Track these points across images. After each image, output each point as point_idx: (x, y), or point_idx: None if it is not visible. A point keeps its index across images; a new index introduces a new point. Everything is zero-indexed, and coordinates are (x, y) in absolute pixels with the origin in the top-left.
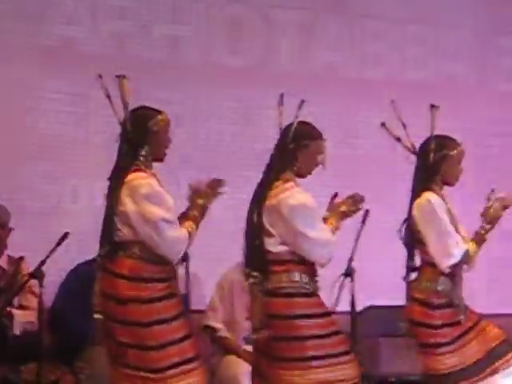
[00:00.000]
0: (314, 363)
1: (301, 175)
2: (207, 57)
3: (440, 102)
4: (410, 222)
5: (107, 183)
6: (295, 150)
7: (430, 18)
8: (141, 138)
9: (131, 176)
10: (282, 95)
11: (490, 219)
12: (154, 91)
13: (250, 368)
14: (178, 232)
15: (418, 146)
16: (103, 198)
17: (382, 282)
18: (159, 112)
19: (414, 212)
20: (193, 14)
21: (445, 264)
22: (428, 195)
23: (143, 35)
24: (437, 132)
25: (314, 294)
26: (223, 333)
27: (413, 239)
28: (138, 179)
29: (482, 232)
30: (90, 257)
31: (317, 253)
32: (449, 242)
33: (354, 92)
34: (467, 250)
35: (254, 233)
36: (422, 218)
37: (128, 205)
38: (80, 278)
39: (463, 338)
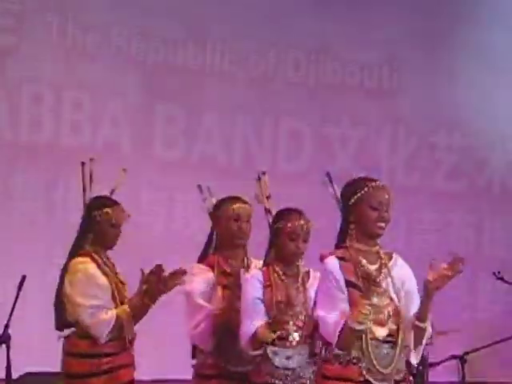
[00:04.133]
0: None
1: None
2: None
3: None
4: None
5: None
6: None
7: (89, 84)
8: (87, 225)
9: (74, 260)
10: None
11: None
12: None
13: None
14: (103, 316)
15: None
16: None
17: (39, 348)
18: (112, 204)
19: None
20: None
21: None
22: None
23: None
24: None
25: None
26: None
27: None
28: (77, 264)
29: None
30: None
31: None
32: None
33: None
34: None
35: None
36: None
37: (67, 287)
38: None
39: None
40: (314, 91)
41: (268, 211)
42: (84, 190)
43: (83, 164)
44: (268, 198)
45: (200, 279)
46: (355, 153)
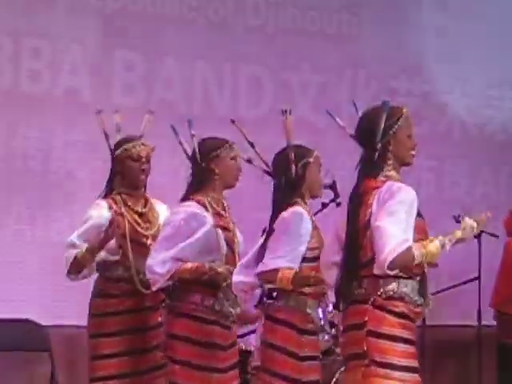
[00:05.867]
0: None
1: None
2: None
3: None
4: None
5: None
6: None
7: (48, 32)
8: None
9: None
10: None
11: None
12: None
13: None
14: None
15: None
16: None
17: None
18: (131, 140)
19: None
20: None
21: None
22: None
23: None
24: None
25: None
26: None
27: None
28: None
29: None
30: None
31: None
32: None
33: None
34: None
35: None
36: None
37: None
38: None
39: None
40: (273, 37)
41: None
42: (106, 136)
43: (99, 112)
44: (252, 145)
45: None
46: (315, 98)
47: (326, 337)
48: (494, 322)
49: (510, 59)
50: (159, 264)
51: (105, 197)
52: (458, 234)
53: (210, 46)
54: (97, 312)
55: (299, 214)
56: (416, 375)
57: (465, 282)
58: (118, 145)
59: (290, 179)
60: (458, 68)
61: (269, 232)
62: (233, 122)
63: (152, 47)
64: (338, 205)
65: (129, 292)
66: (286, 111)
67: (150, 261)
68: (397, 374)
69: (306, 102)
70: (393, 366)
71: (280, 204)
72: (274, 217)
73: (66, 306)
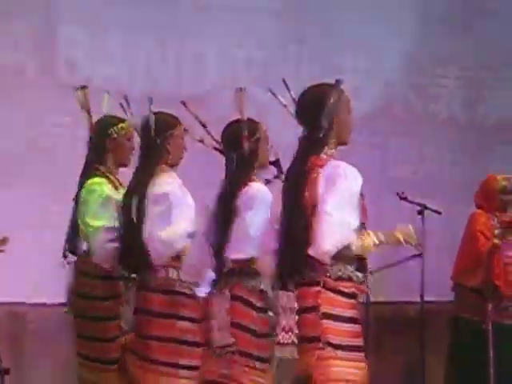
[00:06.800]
0: None
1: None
2: None
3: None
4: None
5: None
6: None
7: None
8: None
9: (91, 180)
10: None
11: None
12: None
13: None
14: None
15: None
16: None
17: None
18: (123, 120)
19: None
20: None
21: None
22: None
23: None
24: None
25: None
26: None
27: None
28: (94, 184)
29: None
30: None
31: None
32: None
33: None
34: None
35: None
36: None
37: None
38: None
39: None
40: (217, 13)
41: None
42: (89, 112)
43: (79, 88)
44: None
45: None
46: (259, 75)
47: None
48: (437, 299)
49: (458, 37)
50: None
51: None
52: (400, 237)
53: (154, 23)
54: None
55: (266, 191)
56: (363, 353)
57: (408, 259)
58: (110, 124)
59: (244, 155)
60: (402, 45)
61: (228, 210)
62: (184, 104)
63: (96, 23)
64: (283, 181)
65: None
66: (240, 89)
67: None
68: (352, 354)
69: (250, 78)
70: (348, 348)
71: (237, 181)
72: (230, 194)
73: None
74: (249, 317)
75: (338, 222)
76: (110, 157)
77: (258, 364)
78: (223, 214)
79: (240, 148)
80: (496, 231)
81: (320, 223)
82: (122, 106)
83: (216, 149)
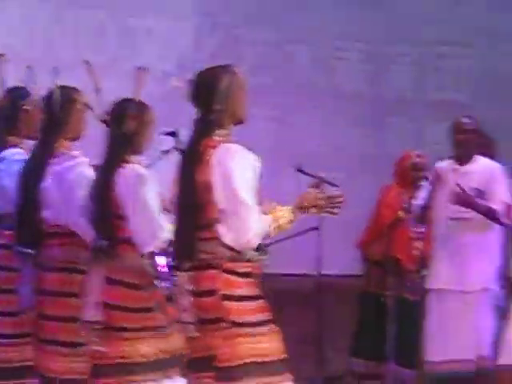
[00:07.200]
0: None
1: None
2: None
3: None
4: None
5: None
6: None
7: None
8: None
9: None
10: None
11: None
12: None
13: None
14: None
15: None
16: None
17: None
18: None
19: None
20: None
21: None
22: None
23: None
24: None
25: None
26: None
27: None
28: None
29: None
30: None
31: None
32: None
33: None
34: None
35: None
36: None
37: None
38: None
39: None
40: None
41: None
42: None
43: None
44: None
45: None
46: (160, 46)
47: (167, 284)
48: (333, 272)
49: (355, 11)
50: None
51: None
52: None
53: None
54: None
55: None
56: (273, 325)
57: (304, 232)
58: (21, 95)
59: (126, 134)
60: (304, 17)
61: (102, 188)
62: (87, 63)
63: None
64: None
65: None
66: (140, 68)
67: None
68: (258, 329)
69: (151, 49)
70: (254, 324)
71: (114, 159)
72: (106, 172)
73: None
74: (130, 296)
75: (249, 210)
76: (21, 128)
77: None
78: (98, 193)
79: (124, 126)
80: (404, 205)
81: (232, 210)
82: (25, 77)
83: (103, 121)
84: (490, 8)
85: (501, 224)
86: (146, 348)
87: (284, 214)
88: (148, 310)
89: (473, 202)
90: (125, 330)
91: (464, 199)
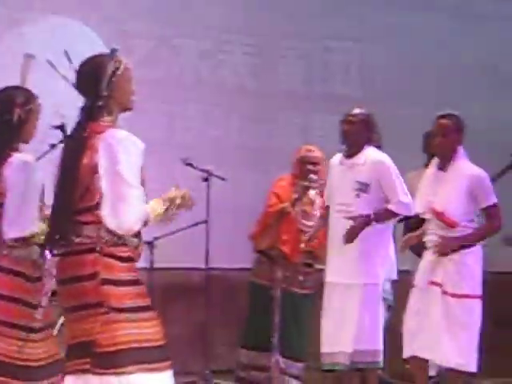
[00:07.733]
0: None
1: None
2: None
3: None
4: None
5: None
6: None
7: None
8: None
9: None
10: None
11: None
12: None
13: None
14: None
15: None
16: None
17: None
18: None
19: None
20: None
21: None
22: None
23: None
24: None
25: None
26: None
27: None
28: None
29: None
30: None
31: None
32: None
33: None
34: None
35: None
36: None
37: None
38: None
39: None
40: None
41: None
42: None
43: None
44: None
45: None
46: (48, 39)
47: None
48: (221, 265)
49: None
50: None
51: None
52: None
53: None
54: None
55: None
56: (152, 312)
57: (193, 225)
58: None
59: (11, 123)
60: (191, 11)
61: None
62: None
63: None
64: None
65: None
66: (29, 56)
67: None
68: (137, 315)
69: (38, 39)
70: (132, 309)
71: (2, 146)
72: None
73: None
74: (21, 287)
75: (130, 195)
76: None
77: (32, 335)
78: None
79: (10, 115)
80: (294, 197)
81: (113, 196)
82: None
83: None
84: (377, 3)
85: (406, 218)
86: None
87: (158, 206)
88: None
89: (368, 221)
90: None
91: (360, 223)
